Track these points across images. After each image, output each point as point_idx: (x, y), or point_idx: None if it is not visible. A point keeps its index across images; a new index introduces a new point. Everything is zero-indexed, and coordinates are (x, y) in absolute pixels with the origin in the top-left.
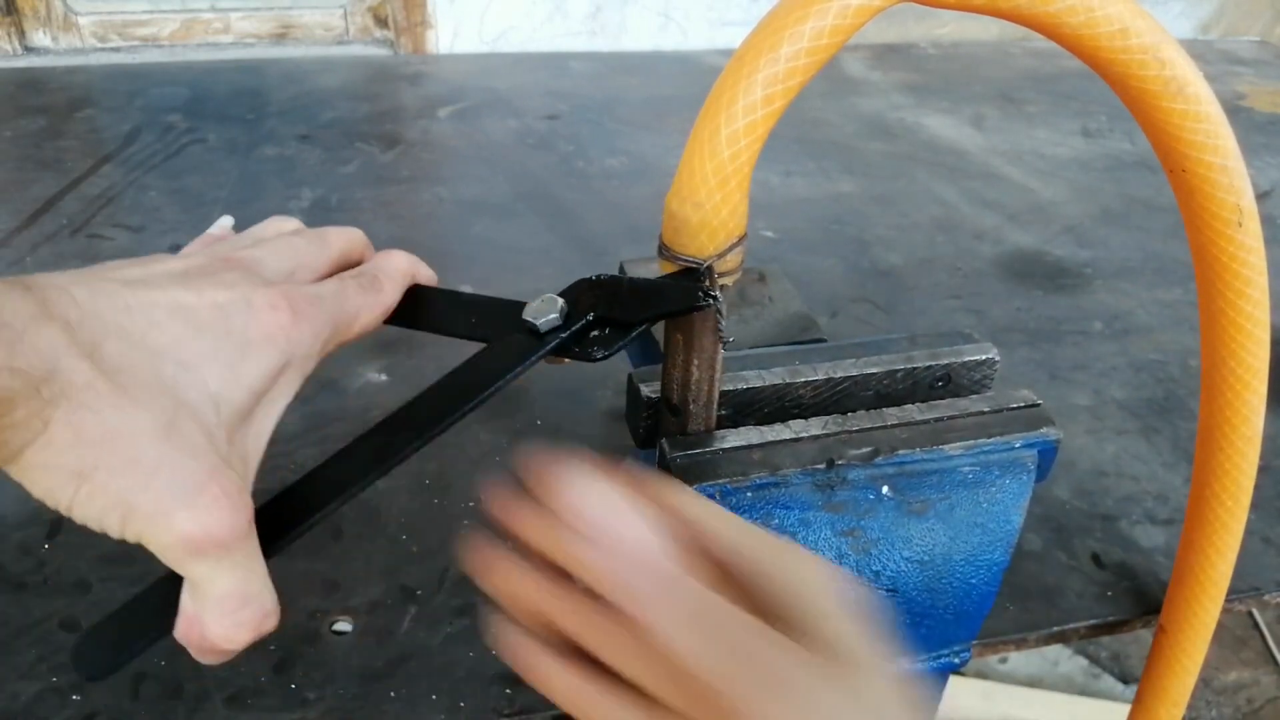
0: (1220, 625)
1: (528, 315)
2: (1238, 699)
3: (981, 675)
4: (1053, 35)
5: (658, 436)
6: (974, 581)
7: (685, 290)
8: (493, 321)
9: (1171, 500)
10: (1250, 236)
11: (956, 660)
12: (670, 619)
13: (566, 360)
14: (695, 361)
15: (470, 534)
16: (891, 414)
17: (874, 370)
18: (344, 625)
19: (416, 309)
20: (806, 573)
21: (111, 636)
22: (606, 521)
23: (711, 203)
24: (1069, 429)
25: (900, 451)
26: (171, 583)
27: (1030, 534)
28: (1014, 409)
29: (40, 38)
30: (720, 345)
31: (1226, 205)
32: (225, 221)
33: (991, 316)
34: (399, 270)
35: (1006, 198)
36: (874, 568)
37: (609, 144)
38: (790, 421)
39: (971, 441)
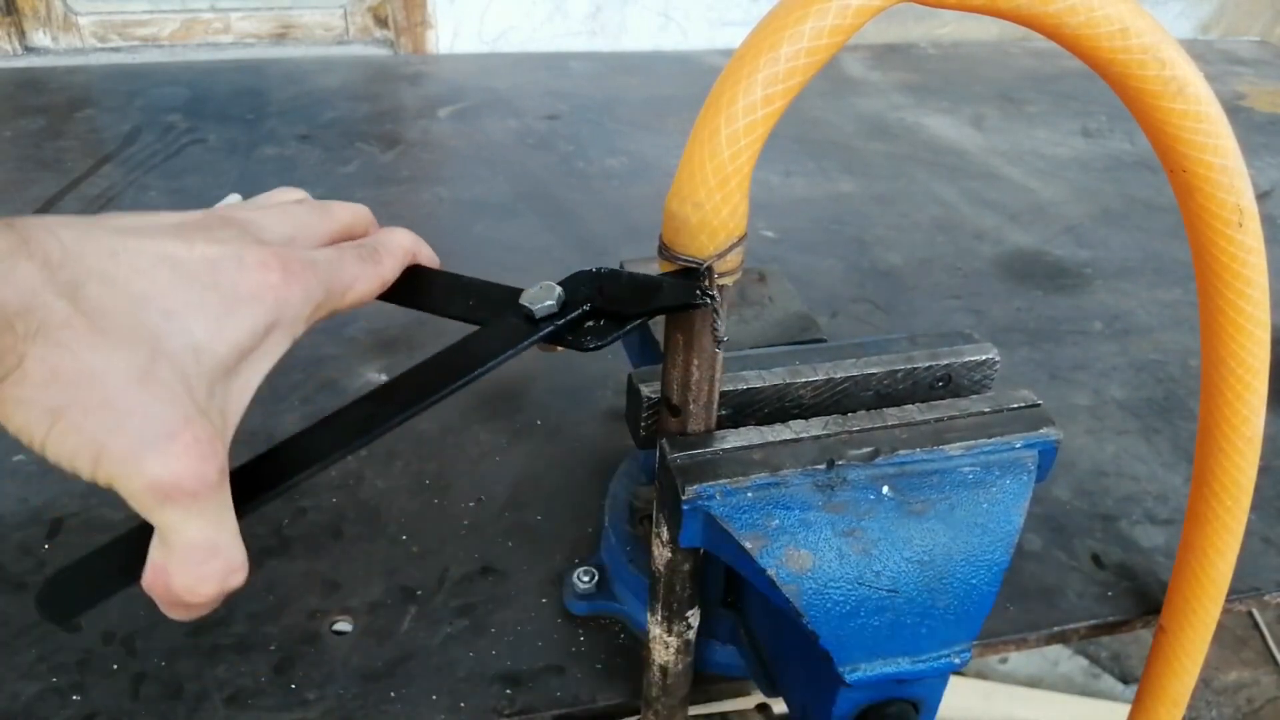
0: (1220, 625)
1: (524, 301)
2: (1238, 699)
3: (981, 675)
4: (1053, 35)
5: (658, 436)
6: (974, 582)
7: (683, 287)
8: (490, 305)
9: (1171, 500)
10: (1250, 236)
11: (956, 660)
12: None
13: (559, 348)
14: (695, 361)
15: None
16: (892, 414)
17: (874, 370)
18: (344, 625)
19: (415, 288)
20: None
21: (78, 582)
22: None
23: (711, 203)
24: (1069, 429)
25: (900, 452)
26: (142, 533)
27: (1030, 534)
28: (1014, 409)
29: (40, 38)
30: (721, 345)
31: (1226, 205)
32: (233, 198)
33: (991, 316)
34: (400, 246)
35: (1006, 198)
36: (874, 568)
37: (609, 144)
38: (790, 421)
39: (972, 442)
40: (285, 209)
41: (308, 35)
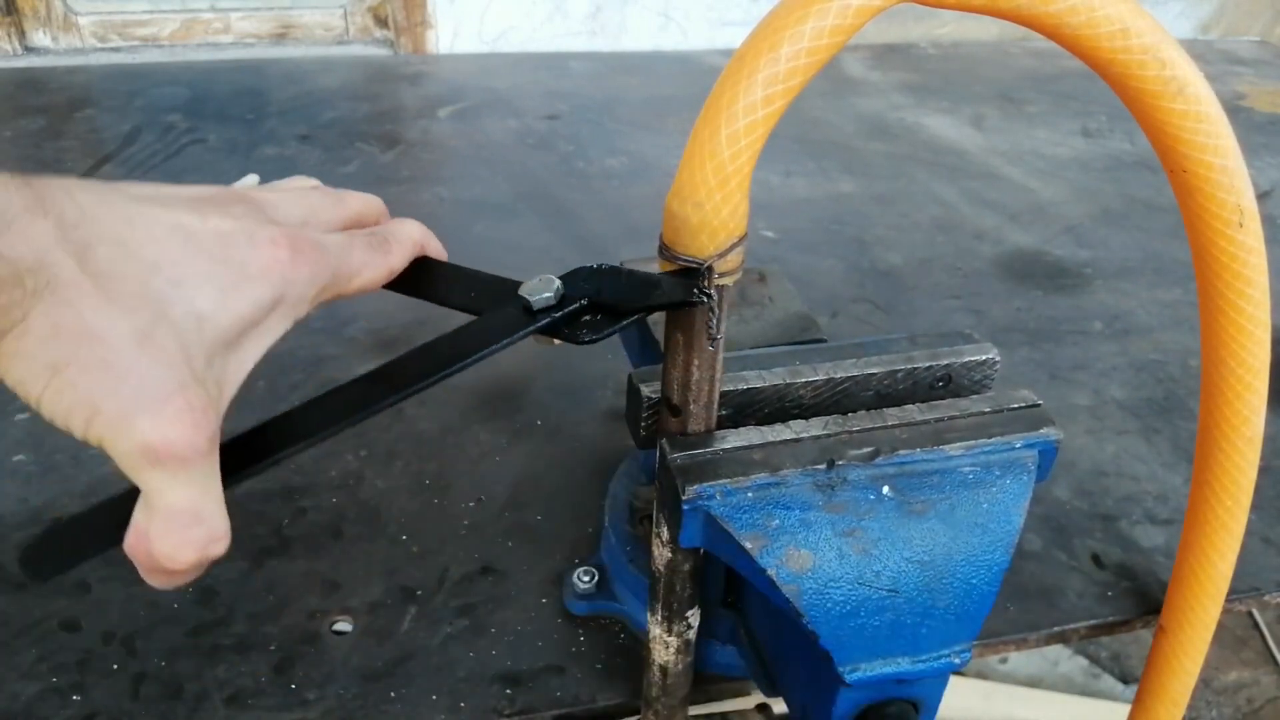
0: (1220, 625)
1: (523, 292)
2: (1238, 699)
3: (981, 675)
4: (1053, 36)
5: (658, 436)
6: (974, 582)
7: (680, 285)
8: (489, 296)
9: (1171, 500)
10: (1250, 236)
11: (956, 660)
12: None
13: (556, 341)
14: (695, 361)
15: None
16: (892, 414)
17: (874, 370)
18: (344, 625)
19: (419, 279)
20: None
21: (62, 543)
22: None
23: (711, 203)
24: (1069, 429)
25: (901, 452)
26: (128, 498)
27: (1030, 534)
28: (1014, 409)
29: (40, 38)
30: (717, 344)
31: (1227, 205)
32: (250, 179)
33: (991, 316)
34: (410, 238)
35: (1006, 198)
36: (874, 568)
37: (609, 144)
38: (790, 422)
39: (972, 442)
40: (300, 193)
41: (308, 35)
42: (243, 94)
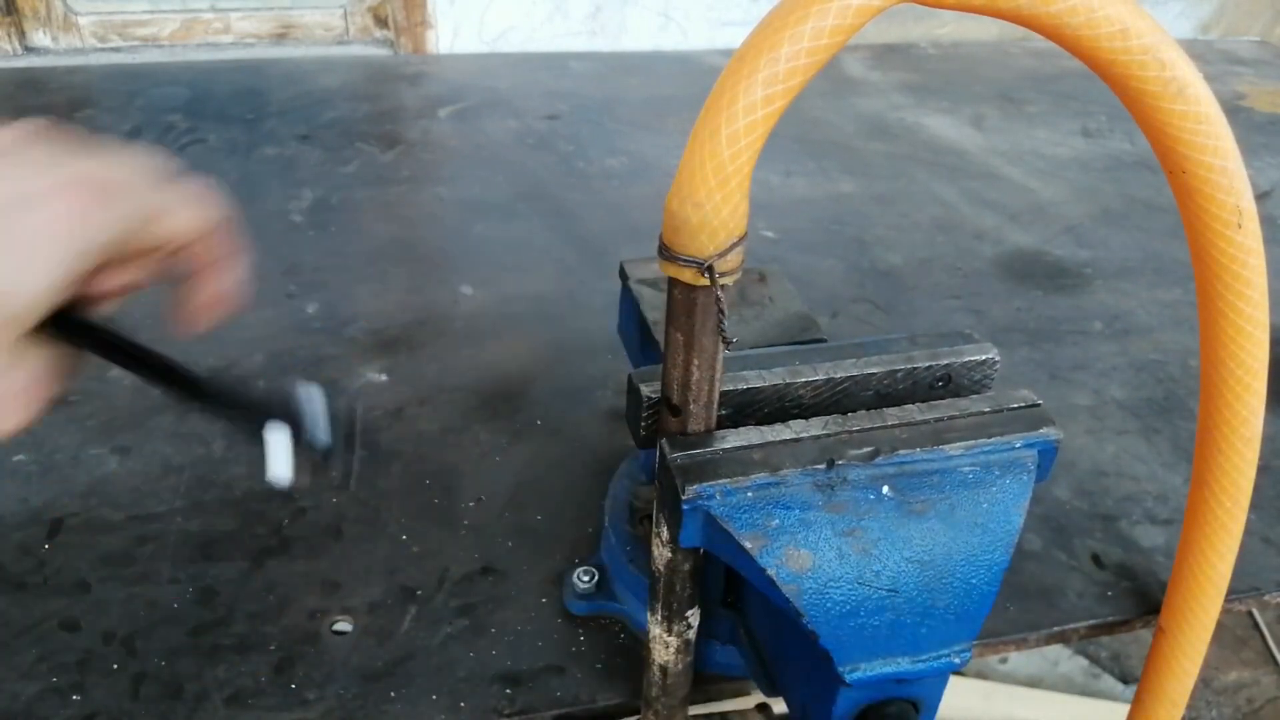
0: (1220, 625)
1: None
2: (1238, 699)
3: (981, 675)
4: (1053, 36)
5: (658, 436)
6: (974, 581)
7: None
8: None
9: (1171, 500)
10: (1250, 238)
11: (956, 660)
12: None
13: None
14: (695, 361)
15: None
16: (892, 414)
17: (874, 370)
18: (344, 625)
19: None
20: None
21: None
22: None
23: (711, 203)
24: (1069, 429)
25: (900, 451)
26: None
27: (1030, 534)
28: (1014, 409)
29: (40, 38)
30: (729, 345)
31: (1226, 206)
32: None
33: (991, 316)
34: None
35: (1006, 198)
36: (874, 568)
37: (609, 144)
38: (790, 421)
39: (972, 441)
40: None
41: (308, 35)
42: (243, 94)
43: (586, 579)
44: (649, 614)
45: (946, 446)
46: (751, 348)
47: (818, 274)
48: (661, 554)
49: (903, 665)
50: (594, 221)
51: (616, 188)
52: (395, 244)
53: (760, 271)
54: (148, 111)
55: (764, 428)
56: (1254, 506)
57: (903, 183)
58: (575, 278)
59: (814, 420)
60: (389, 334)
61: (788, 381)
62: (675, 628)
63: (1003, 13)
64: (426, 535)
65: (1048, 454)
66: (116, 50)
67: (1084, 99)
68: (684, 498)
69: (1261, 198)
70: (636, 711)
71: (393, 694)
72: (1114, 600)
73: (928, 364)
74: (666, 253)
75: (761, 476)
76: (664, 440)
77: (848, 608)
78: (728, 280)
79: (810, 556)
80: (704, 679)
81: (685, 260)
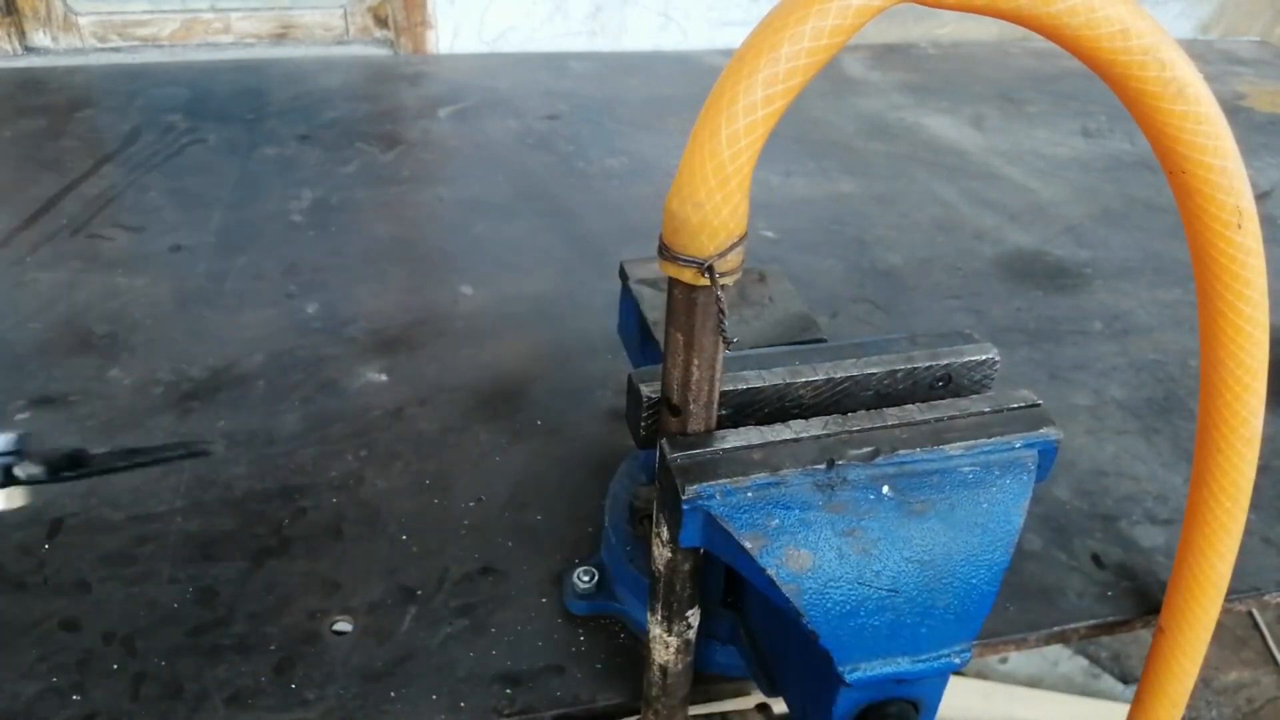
0: (1220, 625)
1: None
2: (1238, 699)
3: (981, 675)
4: (1053, 36)
5: (658, 436)
6: (974, 581)
7: None
8: None
9: (1171, 500)
10: (1250, 238)
11: (956, 660)
12: None
13: None
14: (695, 361)
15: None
16: (892, 414)
17: (874, 370)
18: (344, 625)
19: None
20: None
21: None
22: None
23: (712, 202)
24: (1069, 429)
25: (901, 451)
26: None
27: (1030, 534)
28: (1014, 409)
29: (40, 38)
30: (723, 345)
31: (1226, 207)
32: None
33: (991, 316)
34: None
35: (1006, 198)
36: (874, 568)
37: (609, 144)
38: (790, 421)
39: (972, 441)
40: None
41: (308, 35)
42: (243, 94)
43: (586, 579)
44: (649, 614)
45: (946, 446)
46: (751, 348)
47: (818, 274)
48: (661, 554)
49: (903, 665)
50: (594, 221)
51: (616, 188)
52: (395, 244)
53: (760, 271)
54: (148, 111)
55: (764, 428)
56: (1254, 506)
57: (903, 183)
58: (575, 278)
59: (814, 420)
60: (389, 334)
61: (788, 381)
62: (675, 628)
63: (1003, 13)
64: (426, 535)
65: (1048, 454)
66: (116, 50)
67: (1084, 99)
68: (684, 498)
69: (1261, 198)
70: (636, 711)
71: (393, 694)
72: (1114, 600)
73: (928, 364)
74: (666, 253)
75: (761, 476)
76: (664, 440)
77: (848, 608)
78: (728, 280)
79: (810, 556)
80: (704, 679)
81: (685, 260)
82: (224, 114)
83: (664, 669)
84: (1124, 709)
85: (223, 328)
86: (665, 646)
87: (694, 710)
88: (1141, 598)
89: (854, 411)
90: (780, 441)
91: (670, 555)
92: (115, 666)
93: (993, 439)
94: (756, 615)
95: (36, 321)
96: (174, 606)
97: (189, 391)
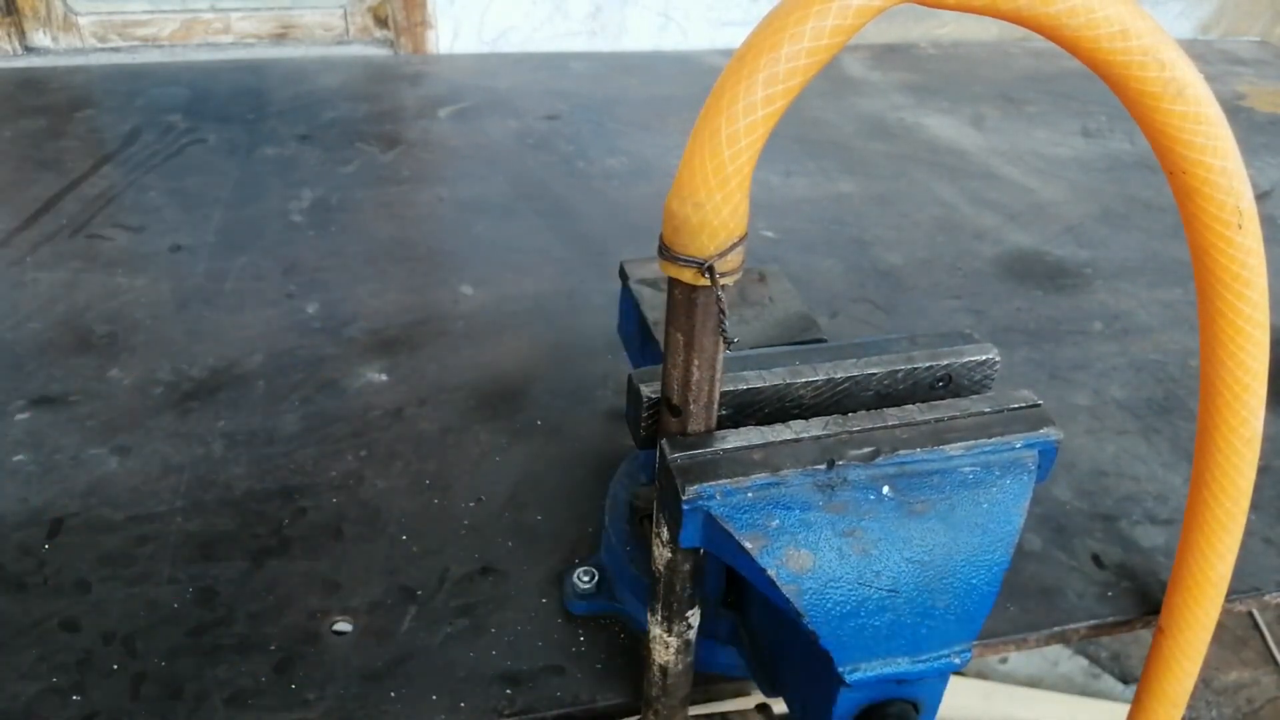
0: (1220, 625)
1: None
2: (1238, 699)
3: (981, 675)
4: (1053, 37)
5: (658, 436)
6: (974, 582)
7: None
8: None
9: (1171, 500)
10: (1250, 238)
11: (957, 660)
12: None
13: None
14: (695, 361)
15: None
16: (892, 414)
17: (874, 370)
18: (344, 625)
19: None
20: None
21: None
22: None
23: (712, 202)
24: (1069, 429)
25: (901, 451)
26: None
27: (1030, 534)
28: (1014, 409)
29: (40, 38)
30: (724, 345)
31: (1226, 207)
32: None
33: (991, 316)
34: None
35: (1006, 198)
36: (874, 568)
37: (609, 144)
38: (791, 422)
39: (972, 442)
40: None
41: (308, 35)
42: (243, 94)
43: (586, 579)
44: (649, 614)
45: (947, 446)
46: (751, 348)
47: (818, 274)
48: (661, 554)
49: (903, 665)
50: (594, 221)
51: (616, 188)
52: (395, 244)
53: (760, 271)
54: (148, 111)
55: (764, 428)
56: (1254, 506)
57: (903, 183)
58: (575, 278)
59: (814, 420)
60: (389, 334)
61: (788, 381)
62: (675, 628)
63: (1003, 13)
64: (426, 535)
65: (1048, 454)
66: (116, 50)
67: (1084, 99)
68: (684, 498)
69: (1261, 198)
70: (636, 711)
71: (393, 694)
72: (1114, 600)
73: (928, 364)
74: (667, 253)
75: (762, 477)
76: (664, 440)
77: (848, 608)
78: (728, 280)
79: (810, 556)
80: (704, 679)
81: (685, 260)
82: (224, 114)
83: (664, 669)
84: (1124, 709)
85: (223, 328)
86: (665, 646)
87: (694, 710)
88: (1141, 598)
89: (854, 411)
90: (780, 441)
91: (670, 555)
92: (115, 666)
93: (993, 439)
94: (756, 615)
95: (36, 321)
96: (174, 606)
97: (189, 391)
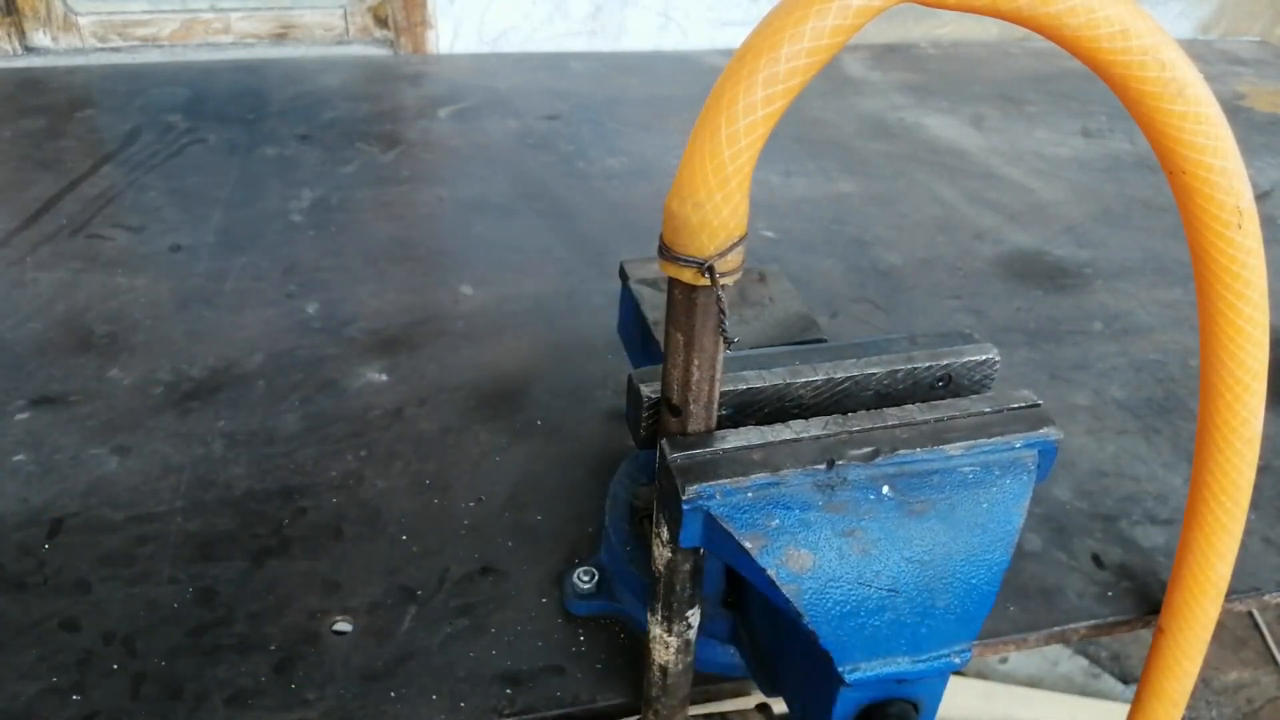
0: (1220, 625)
1: None
2: (1238, 699)
3: (981, 675)
4: (1053, 37)
5: (658, 436)
6: (974, 581)
7: None
8: None
9: (1171, 500)
10: (1250, 238)
11: (957, 660)
12: None
13: None
14: (695, 361)
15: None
16: (892, 414)
17: (874, 370)
18: (344, 625)
19: None
20: None
21: None
22: None
23: (712, 202)
24: (1069, 429)
25: (901, 451)
26: None
27: (1030, 534)
28: (1014, 409)
29: (40, 38)
30: (724, 345)
31: (1226, 207)
32: None
33: (991, 316)
34: None
35: (1006, 198)
36: (874, 568)
37: (609, 144)
38: (791, 421)
39: (972, 441)
40: None
41: (308, 35)
42: (243, 94)
43: (587, 579)
44: (649, 614)
45: (947, 446)
46: (751, 348)
47: (818, 274)
48: (661, 554)
49: (903, 665)
50: (594, 221)
51: (616, 188)
52: (395, 244)
53: (760, 271)
54: (148, 111)
55: (764, 428)
56: (1254, 506)
57: (903, 183)
58: (575, 278)
59: (814, 420)
60: (389, 334)
61: (788, 381)
62: (675, 628)
63: (1003, 13)
64: (426, 535)
65: (1048, 454)
66: (116, 50)
67: (1084, 99)
68: (684, 498)
69: (1261, 198)
70: (636, 711)
71: (393, 694)
72: (1114, 600)
73: (928, 364)
74: (667, 253)
75: (761, 476)
76: (664, 440)
77: (848, 608)
78: (728, 280)
79: (810, 556)
80: (704, 679)
81: (685, 260)
82: (224, 114)
83: (664, 669)
84: (1124, 709)
85: (223, 328)
86: (665, 646)
87: (694, 710)
88: (1141, 598)
89: (854, 411)
90: (780, 441)
91: (670, 555)
92: (115, 666)
93: (993, 439)
94: (756, 615)
95: (36, 321)
96: (174, 606)
97: (189, 391)
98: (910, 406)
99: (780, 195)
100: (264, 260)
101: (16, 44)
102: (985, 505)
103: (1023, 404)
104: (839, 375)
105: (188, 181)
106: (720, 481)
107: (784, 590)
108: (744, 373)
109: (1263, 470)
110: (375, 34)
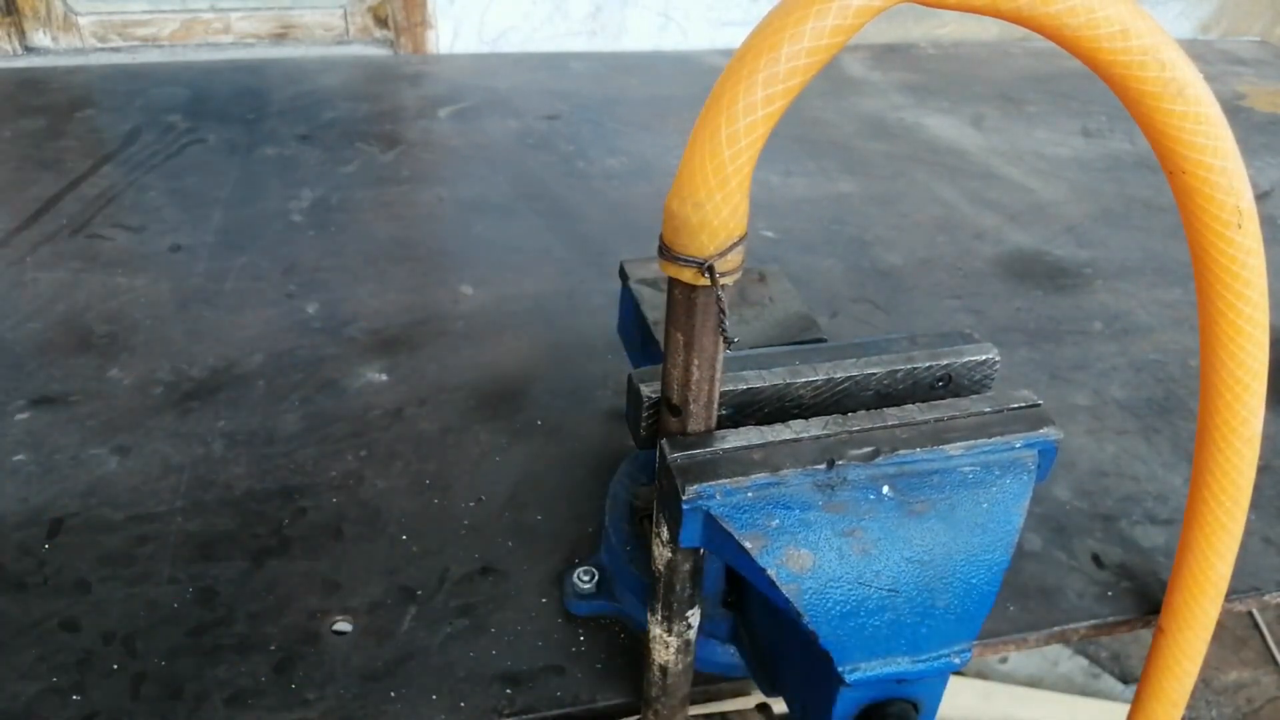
0: (1220, 625)
1: None
2: (1238, 699)
3: (981, 675)
4: (1053, 37)
5: (658, 436)
6: (974, 581)
7: None
8: None
9: (1171, 500)
10: (1249, 238)
11: (956, 660)
12: None
13: None
14: (695, 361)
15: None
16: (892, 414)
17: (874, 370)
18: (344, 625)
19: None
20: None
21: None
22: None
23: (712, 202)
24: (1069, 429)
25: (901, 451)
26: None
27: (1030, 534)
28: (1014, 409)
29: (40, 38)
30: (724, 345)
31: (1226, 207)
32: None
33: (991, 316)
34: None
35: (1006, 198)
36: (874, 568)
37: (609, 144)
38: (791, 421)
39: (972, 441)
40: None
41: (308, 35)
42: (243, 94)
43: (586, 579)
44: (649, 614)
45: (947, 446)
46: (751, 348)
47: (818, 274)
48: (661, 554)
49: (903, 665)
50: (594, 221)
51: (616, 188)
52: (395, 244)
53: (760, 271)
54: (148, 111)
55: (764, 428)
56: (1254, 506)
57: (903, 183)
58: (575, 278)
59: (814, 420)
60: (389, 334)
61: (788, 381)
62: (675, 628)
63: (1003, 13)
64: (426, 535)
65: (1048, 454)
66: (116, 50)
67: (1084, 99)
68: (684, 498)
69: (1261, 198)
70: (636, 711)
71: (393, 694)
72: (1114, 600)
73: (928, 364)
74: (667, 253)
75: (761, 476)
76: (664, 440)
77: (848, 608)
78: (728, 280)
79: (810, 556)
80: (704, 679)
81: (685, 260)
82: (224, 114)
83: (664, 669)
84: (1124, 709)
85: (222, 328)
86: (665, 646)
87: (694, 710)
88: (1141, 598)
89: (854, 411)
90: (780, 441)
91: (670, 555)
92: (115, 666)
93: (993, 439)
94: (756, 615)
95: (36, 321)
96: (174, 606)
97: (189, 391)
98: (910, 406)
99: (780, 195)
100: (264, 260)
101: (16, 44)
102: (985, 505)
103: (1023, 404)
104: (839, 375)
105: (188, 181)
106: (720, 481)
107: (784, 590)
108: (744, 373)
109: (1263, 470)
110: (375, 34)
